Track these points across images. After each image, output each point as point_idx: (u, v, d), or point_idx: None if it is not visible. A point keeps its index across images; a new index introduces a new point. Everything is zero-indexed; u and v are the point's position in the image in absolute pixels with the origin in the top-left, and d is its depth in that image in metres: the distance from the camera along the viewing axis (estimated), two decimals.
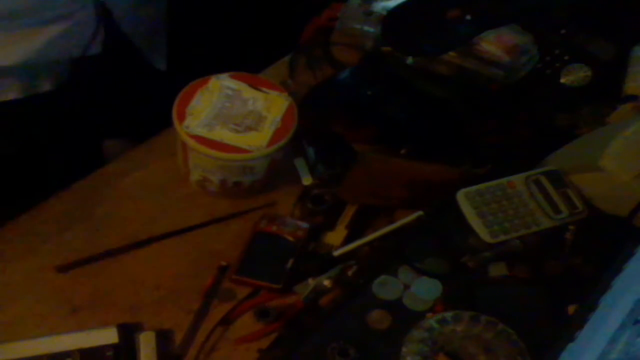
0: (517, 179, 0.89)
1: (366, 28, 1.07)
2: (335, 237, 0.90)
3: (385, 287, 0.82)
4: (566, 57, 1.06)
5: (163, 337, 0.82)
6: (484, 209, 0.86)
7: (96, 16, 0.97)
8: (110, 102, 1.12)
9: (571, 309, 0.79)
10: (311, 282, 0.84)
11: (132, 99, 1.16)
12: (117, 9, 1.00)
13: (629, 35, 1.07)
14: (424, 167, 0.93)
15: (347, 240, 0.90)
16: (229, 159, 0.87)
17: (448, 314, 0.77)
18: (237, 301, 0.86)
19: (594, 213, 0.88)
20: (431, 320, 0.77)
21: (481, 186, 0.88)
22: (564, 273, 0.83)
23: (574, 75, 1.05)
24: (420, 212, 0.89)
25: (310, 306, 0.84)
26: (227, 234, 0.92)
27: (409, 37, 1.01)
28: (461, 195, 0.87)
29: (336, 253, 0.88)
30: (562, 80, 1.05)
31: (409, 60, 1.04)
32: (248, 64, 0.97)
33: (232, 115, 0.89)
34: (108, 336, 0.79)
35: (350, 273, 0.85)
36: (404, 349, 0.75)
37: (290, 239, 0.89)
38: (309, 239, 0.89)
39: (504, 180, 0.89)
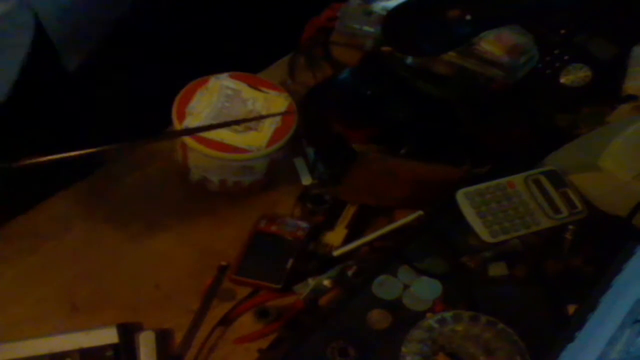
0: (517, 179, 0.89)
1: (366, 28, 1.07)
2: (335, 237, 0.90)
3: (385, 287, 0.82)
4: (566, 57, 1.06)
5: (163, 337, 0.82)
6: (484, 209, 0.86)
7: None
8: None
9: (571, 309, 0.79)
10: (311, 282, 0.84)
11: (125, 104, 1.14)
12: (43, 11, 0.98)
13: (629, 35, 1.07)
14: (424, 167, 0.93)
15: (347, 240, 0.90)
16: (229, 159, 0.87)
17: (448, 314, 0.77)
18: (237, 301, 0.86)
19: (594, 213, 0.88)
20: (431, 320, 0.77)
21: (481, 186, 0.88)
22: (564, 273, 0.83)
23: (574, 75, 1.05)
24: (420, 212, 0.89)
25: (310, 306, 0.84)
26: (227, 234, 0.92)
27: (409, 37, 1.01)
28: (461, 195, 0.87)
29: (336, 253, 0.88)
30: (562, 80, 1.05)
31: (409, 60, 1.03)
32: (248, 64, 0.97)
33: (231, 115, 0.89)
34: (108, 336, 0.79)
35: (350, 273, 0.85)
36: (403, 349, 0.75)
37: (290, 239, 0.89)
38: (309, 239, 0.89)
39: (503, 180, 0.89)
